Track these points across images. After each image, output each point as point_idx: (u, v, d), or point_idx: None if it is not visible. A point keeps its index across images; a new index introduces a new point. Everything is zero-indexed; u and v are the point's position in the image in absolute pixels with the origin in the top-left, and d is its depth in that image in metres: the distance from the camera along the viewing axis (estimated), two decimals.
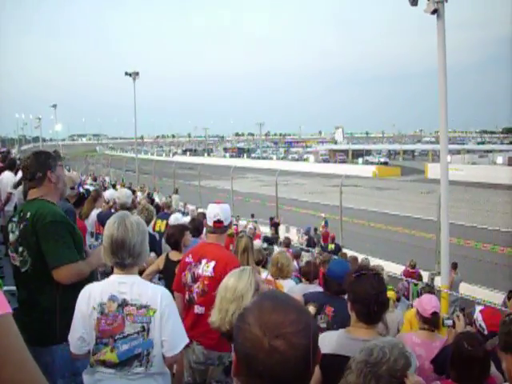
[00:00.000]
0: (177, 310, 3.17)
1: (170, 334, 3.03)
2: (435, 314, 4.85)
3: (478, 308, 5.02)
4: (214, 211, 4.67)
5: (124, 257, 3.10)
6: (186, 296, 4.52)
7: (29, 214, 3.71)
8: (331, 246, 18.17)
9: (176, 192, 30.04)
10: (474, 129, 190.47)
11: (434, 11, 11.35)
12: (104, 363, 3.02)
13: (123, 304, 3.03)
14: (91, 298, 3.08)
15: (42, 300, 3.65)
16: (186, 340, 3.15)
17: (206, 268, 4.44)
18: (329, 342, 3.20)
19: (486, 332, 4.38)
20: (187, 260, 4.64)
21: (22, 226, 3.72)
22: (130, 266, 3.15)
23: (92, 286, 3.17)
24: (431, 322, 4.84)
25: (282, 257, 6.90)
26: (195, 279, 4.49)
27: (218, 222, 4.62)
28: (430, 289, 7.54)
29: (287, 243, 15.79)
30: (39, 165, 3.91)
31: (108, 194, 8.86)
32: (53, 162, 3.98)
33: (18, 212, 3.90)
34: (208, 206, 4.89)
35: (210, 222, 4.68)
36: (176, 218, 8.53)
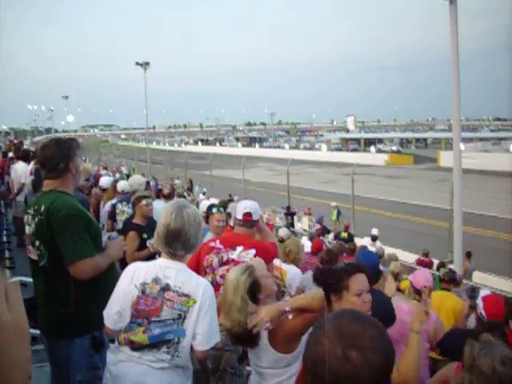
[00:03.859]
0: (215, 306, 3.15)
1: (205, 328, 3.02)
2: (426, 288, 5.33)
3: (482, 293, 5.05)
4: (244, 204, 4.89)
5: (177, 248, 3.10)
6: (209, 278, 4.53)
7: (43, 207, 3.65)
8: (344, 235, 18.11)
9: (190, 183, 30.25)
10: (487, 116, 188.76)
11: None
12: (132, 344, 3.03)
13: (165, 288, 3.03)
14: (135, 275, 3.09)
15: (60, 293, 3.63)
16: (218, 338, 3.14)
17: (246, 254, 4.53)
18: None
19: (485, 320, 4.39)
20: (212, 245, 4.75)
21: (37, 219, 3.67)
22: (181, 257, 3.17)
23: (137, 265, 3.19)
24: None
25: (290, 243, 6.97)
26: (223, 263, 4.58)
27: (248, 214, 4.78)
28: (452, 274, 7.46)
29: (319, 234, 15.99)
30: (62, 155, 3.82)
31: (122, 184, 8.87)
32: (73, 153, 3.90)
33: (32, 204, 3.84)
34: (239, 202, 5.21)
35: (239, 215, 4.83)
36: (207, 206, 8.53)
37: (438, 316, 5.47)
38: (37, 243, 3.68)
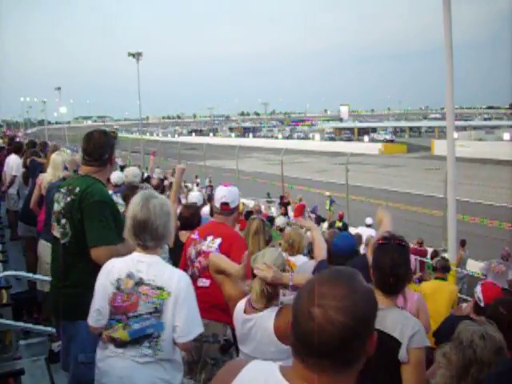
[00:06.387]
0: (194, 296, 3.12)
1: (184, 319, 2.98)
2: None
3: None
4: (221, 193, 4.66)
5: (146, 239, 3.08)
6: (189, 271, 4.50)
7: (78, 189, 3.76)
8: (339, 224, 18.14)
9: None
10: (481, 105, 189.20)
11: None
12: (114, 341, 3.02)
13: (139, 283, 3.01)
14: (111, 272, 3.09)
15: (74, 274, 3.71)
16: (201, 329, 3.11)
17: (212, 244, 4.45)
18: None
19: (482, 304, 4.36)
20: (193, 237, 4.68)
21: (69, 199, 3.77)
22: (153, 248, 3.13)
23: (115, 261, 3.17)
24: None
25: (294, 233, 6.88)
26: (198, 254, 4.51)
27: (225, 204, 4.61)
28: (444, 262, 7.49)
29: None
30: (108, 146, 4.00)
31: (115, 175, 8.62)
32: (115, 145, 4.12)
33: (66, 184, 3.96)
34: (217, 188, 4.89)
35: (217, 204, 4.68)
36: (195, 197, 8.42)
37: (421, 296, 5.41)
38: (63, 221, 3.78)
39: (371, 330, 1.44)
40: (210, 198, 8.13)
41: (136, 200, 3.15)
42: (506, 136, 56.85)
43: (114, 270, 3.08)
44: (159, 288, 2.98)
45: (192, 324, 3.04)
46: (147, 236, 3.06)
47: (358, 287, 1.45)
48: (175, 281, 3.01)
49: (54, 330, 4.92)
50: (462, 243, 14.95)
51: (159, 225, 3.07)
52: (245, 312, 3.21)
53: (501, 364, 1.97)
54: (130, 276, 3.03)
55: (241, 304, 3.28)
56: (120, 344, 3.01)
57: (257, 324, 3.10)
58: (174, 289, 2.98)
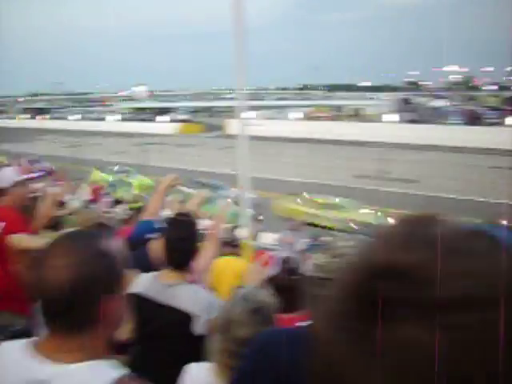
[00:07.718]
0: None
1: None
2: None
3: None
4: None
5: None
6: None
7: None
8: (136, 206, 18.03)
9: None
10: (274, 86, 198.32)
11: None
12: None
13: None
14: None
15: None
16: None
17: None
18: (141, 282, 3.20)
19: None
20: None
21: None
22: None
23: None
24: None
25: (79, 217, 6.79)
26: None
27: None
28: (234, 237, 7.74)
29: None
30: None
31: None
32: None
33: None
34: None
35: None
36: None
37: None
38: None
39: (103, 293, 1.41)
40: None
41: None
42: (292, 115, 60.69)
43: None
44: None
45: None
46: None
47: (84, 247, 1.45)
48: None
49: None
50: (256, 217, 15.58)
51: None
52: None
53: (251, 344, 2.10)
54: None
55: None
56: None
57: None
58: None
